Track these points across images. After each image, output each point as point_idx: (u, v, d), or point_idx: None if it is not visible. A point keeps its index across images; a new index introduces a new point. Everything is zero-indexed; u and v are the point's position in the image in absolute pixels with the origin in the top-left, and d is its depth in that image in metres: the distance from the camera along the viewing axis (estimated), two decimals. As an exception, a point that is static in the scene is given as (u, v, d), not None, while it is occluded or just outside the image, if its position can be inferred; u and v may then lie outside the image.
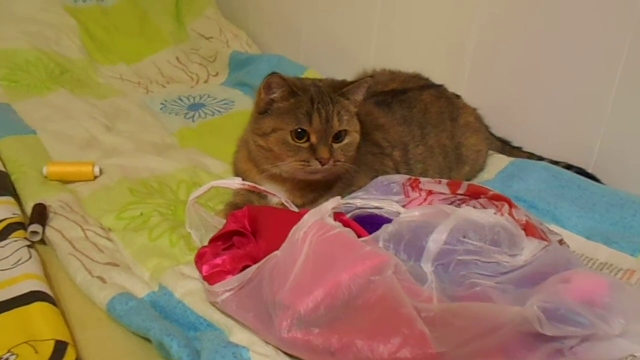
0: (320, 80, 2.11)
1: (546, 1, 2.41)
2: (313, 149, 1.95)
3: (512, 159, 2.50)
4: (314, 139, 1.95)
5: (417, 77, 2.55)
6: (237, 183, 1.97)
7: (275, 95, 1.98)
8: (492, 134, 2.62)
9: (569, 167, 2.43)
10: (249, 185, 1.98)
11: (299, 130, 1.94)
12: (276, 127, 1.97)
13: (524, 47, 2.53)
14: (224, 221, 1.88)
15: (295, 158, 1.96)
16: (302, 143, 1.95)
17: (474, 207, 1.83)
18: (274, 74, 1.96)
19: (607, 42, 2.28)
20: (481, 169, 2.49)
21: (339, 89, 2.02)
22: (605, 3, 2.25)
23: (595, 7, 2.28)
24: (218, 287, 1.64)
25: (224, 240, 1.81)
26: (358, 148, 2.09)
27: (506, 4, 2.54)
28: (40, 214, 2.08)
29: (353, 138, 2.02)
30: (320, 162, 1.94)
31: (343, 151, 1.99)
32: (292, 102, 1.98)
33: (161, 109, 3.05)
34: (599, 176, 2.40)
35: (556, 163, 2.45)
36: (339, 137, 1.98)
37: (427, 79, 2.56)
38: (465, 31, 2.70)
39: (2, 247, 1.92)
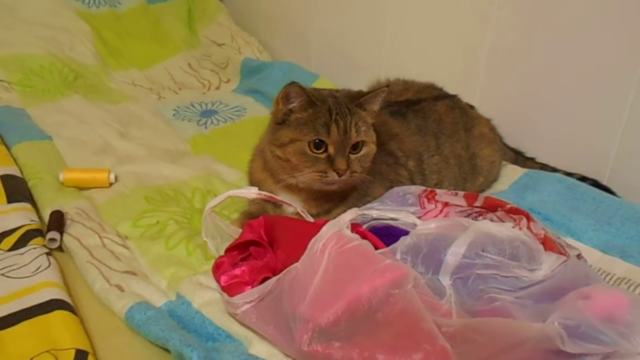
0: (337, 91, 2.11)
1: (560, 11, 2.40)
2: (330, 160, 1.94)
3: (525, 170, 2.49)
4: (331, 149, 1.94)
5: (431, 87, 2.55)
6: (253, 192, 1.97)
7: (293, 105, 1.98)
8: (505, 145, 2.62)
9: (583, 178, 2.43)
10: (265, 195, 1.99)
11: (317, 141, 1.94)
12: (294, 137, 1.97)
13: (538, 57, 2.53)
14: (240, 230, 1.89)
15: (313, 169, 1.95)
16: (320, 154, 1.95)
17: (491, 220, 1.83)
18: (292, 83, 1.95)
19: (622, 55, 2.28)
20: (495, 179, 2.49)
21: (355, 99, 2.01)
22: (620, 13, 2.25)
23: (610, 18, 2.28)
24: (238, 298, 1.65)
25: (240, 249, 1.81)
26: (373, 158, 2.10)
27: (520, 14, 2.54)
28: (58, 221, 2.09)
29: (369, 148, 2.01)
30: (337, 173, 1.94)
31: (360, 162, 1.99)
32: (310, 112, 1.97)
33: (173, 115, 3.05)
34: (613, 188, 2.40)
35: (570, 174, 2.45)
36: (355, 147, 1.98)
37: (441, 89, 2.56)
38: (478, 41, 2.70)
39: (21, 254, 1.93)
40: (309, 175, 1.96)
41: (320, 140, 1.94)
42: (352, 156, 1.97)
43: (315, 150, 1.95)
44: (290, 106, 1.98)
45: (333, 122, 1.94)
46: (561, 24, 2.41)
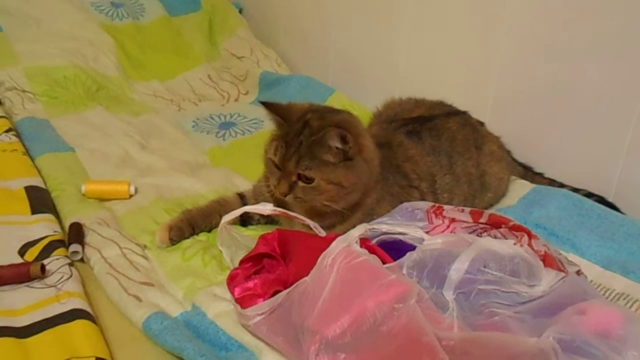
0: (321, 118, 2.11)
1: (568, 32, 2.46)
2: (279, 179, 2.05)
3: (534, 186, 2.53)
4: (280, 171, 2.06)
5: (441, 104, 2.60)
6: (268, 209, 2.02)
7: (272, 121, 2.14)
8: (514, 160, 2.67)
9: (589, 194, 2.47)
10: (279, 211, 2.05)
11: (270, 159, 2.06)
12: (266, 149, 2.12)
13: (546, 76, 2.58)
14: (255, 240, 1.94)
15: (270, 180, 2.09)
16: (276, 170, 2.07)
17: (495, 237, 1.89)
18: (261, 103, 2.13)
19: (627, 74, 2.33)
20: (503, 195, 2.53)
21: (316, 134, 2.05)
22: (624, 35, 2.31)
23: (616, 39, 2.33)
24: (250, 311, 1.71)
25: (254, 262, 1.87)
26: (386, 179, 2.19)
27: (529, 34, 2.59)
28: (78, 233, 2.16)
29: (319, 184, 2.04)
30: (280, 194, 2.05)
31: (306, 192, 2.05)
32: (279, 132, 2.10)
33: (193, 127, 3.10)
34: (618, 205, 2.44)
35: (577, 190, 2.49)
36: (306, 179, 2.03)
37: (451, 105, 2.61)
38: (489, 60, 2.76)
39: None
40: (270, 185, 2.10)
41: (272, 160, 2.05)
42: (301, 184, 2.04)
43: (274, 167, 2.07)
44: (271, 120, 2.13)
45: (280, 147, 2.04)
46: (570, 44, 2.47)
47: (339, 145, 2.02)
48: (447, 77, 2.99)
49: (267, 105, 2.09)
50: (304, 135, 2.03)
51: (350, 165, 2.07)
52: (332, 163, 2.04)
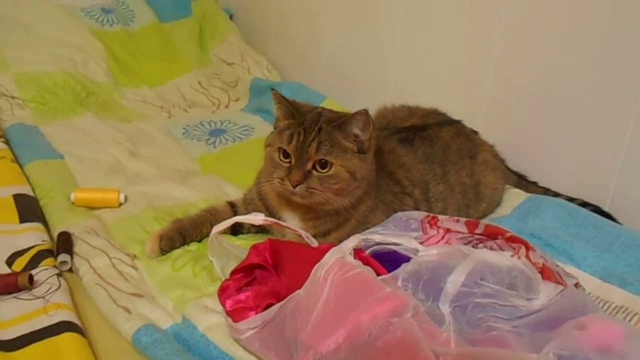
0: (330, 111, 2.17)
1: (563, 40, 2.43)
2: (289, 170, 2.01)
3: (528, 195, 2.51)
4: (293, 160, 2.01)
5: (435, 112, 2.58)
6: (259, 219, 2.00)
7: (278, 114, 2.11)
8: (508, 168, 2.64)
9: (584, 204, 2.45)
10: (270, 221, 2.03)
11: (282, 149, 2.02)
12: (270, 142, 2.09)
13: (541, 84, 2.56)
14: (246, 250, 1.91)
15: (275, 174, 2.04)
16: (285, 162, 2.03)
17: (491, 248, 1.86)
18: (273, 90, 2.09)
19: (623, 83, 2.30)
20: (498, 204, 2.51)
21: (335, 121, 2.05)
22: (621, 45, 2.28)
23: (612, 48, 2.31)
24: (242, 324, 1.68)
25: (245, 272, 1.85)
26: (379, 186, 2.15)
27: (523, 41, 2.57)
28: (66, 242, 2.13)
29: (337, 171, 2.03)
30: (291, 184, 2.00)
31: (322, 181, 2.01)
32: (288, 122, 2.07)
33: (183, 134, 3.08)
34: (614, 215, 2.42)
35: (572, 200, 2.47)
36: (324, 166, 2.01)
37: (445, 114, 2.59)
38: (483, 67, 2.73)
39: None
40: (273, 180, 2.05)
41: (285, 149, 2.02)
42: (315, 173, 2.01)
43: (282, 158, 2.03)
44: (277, 114, 2.11)
45: (296, 134, 2.00)
46: (565, 53, 2.44)
47: (359, 132, 2.04)
48: (440, 85, 2.97)
49: (279, 94, 2.08)
50: (322, 122, 2.03)
51: (364, 157, 2.08)
52: (350, 150, 2.04)
